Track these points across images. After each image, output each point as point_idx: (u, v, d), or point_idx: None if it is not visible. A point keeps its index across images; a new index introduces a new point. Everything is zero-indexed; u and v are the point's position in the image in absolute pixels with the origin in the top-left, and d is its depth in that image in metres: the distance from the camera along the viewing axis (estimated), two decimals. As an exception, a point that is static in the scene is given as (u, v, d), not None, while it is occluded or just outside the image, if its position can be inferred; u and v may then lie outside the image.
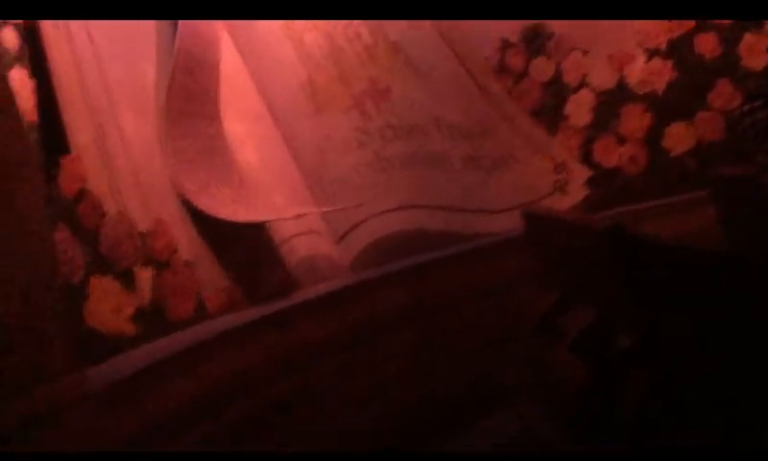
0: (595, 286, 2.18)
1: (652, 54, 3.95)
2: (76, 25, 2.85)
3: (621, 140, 4.02)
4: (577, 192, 4.01)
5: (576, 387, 2.28)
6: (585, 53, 4.05)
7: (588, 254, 2.13)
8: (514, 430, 2.90)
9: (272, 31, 4.03)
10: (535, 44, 4.12)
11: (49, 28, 2.71)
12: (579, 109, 4.07)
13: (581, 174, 4.02)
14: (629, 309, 1.98)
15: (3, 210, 1.71)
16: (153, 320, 2.84)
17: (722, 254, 2.25)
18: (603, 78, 4.03)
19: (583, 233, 2.17)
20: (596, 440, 2.13)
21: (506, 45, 4.15)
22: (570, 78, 4.08)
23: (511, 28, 4.13)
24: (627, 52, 3.99)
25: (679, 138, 3.93)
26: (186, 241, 3.13)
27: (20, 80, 2.51)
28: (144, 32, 3.31)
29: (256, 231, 3.47)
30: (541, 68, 4.11)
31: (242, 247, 3.37)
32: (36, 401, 1.84)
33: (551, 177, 4.04)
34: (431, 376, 3.45)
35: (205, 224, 3.21)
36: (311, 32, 4.06)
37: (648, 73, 3.95)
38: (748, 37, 3.82)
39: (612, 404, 2.10)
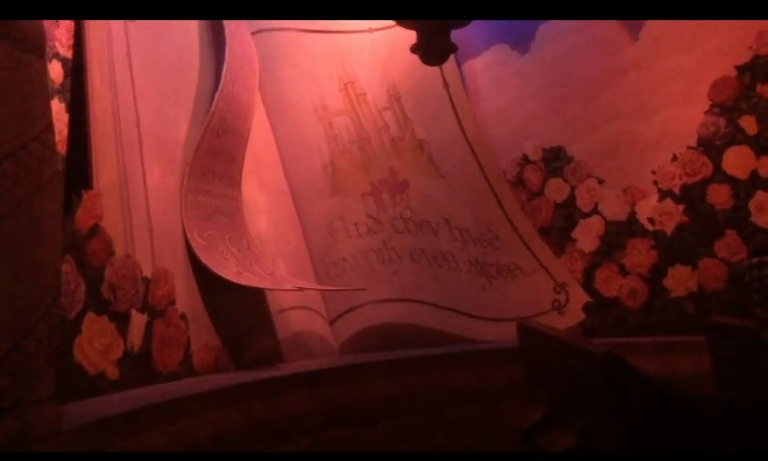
0: (582, 409, 2.18)
1: (665, 195, 4.04)
2: (122, 74, 2.96)
3: (624, 272, 4.07)
4: (573, 315, 4.03)
5: None
6: (600, 182, 4.14)
7: (578, 376, 2.14)
8: None
9: (304, 109, 4.16)
10: (553, 165, 4.23)
11: (95, 69, 2.82)
12: (587, 235, 4.13)
13: (580, 298, 4.06)
14: (614, 438, 1.97)
15: (23, 234, 1.74)
16: (138, 366, 2.83)
17: (712, 398, 2.25)
18: (615, 209, 4.11)
19: (576, 355, 2.18)
20: None
21: (526, 161, 4.26)
22: (583, 203, 4.16)
23: (533, 146, 4.25)
24: (641, 189, 4.07)
25: (681, 280, 3.97)
26: (185, 295, 3.15)
27: (57, 112, 2.58)
28: (184, 90, 3.43)
29: (254, 297, 3.49)
30: (557, 189, 4.21)
31: (238, 310, 3.39)
32: (6, 427, 1.82)
33: (551, 295, 4.08)
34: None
35: (207, 282, 3.24)
36: (342, 116, 4.19)
37: (659, 212, 4.03)
38: (759, 195, 3.91)
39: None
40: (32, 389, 1.87)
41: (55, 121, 2.52)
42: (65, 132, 2.68)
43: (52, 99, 2.54)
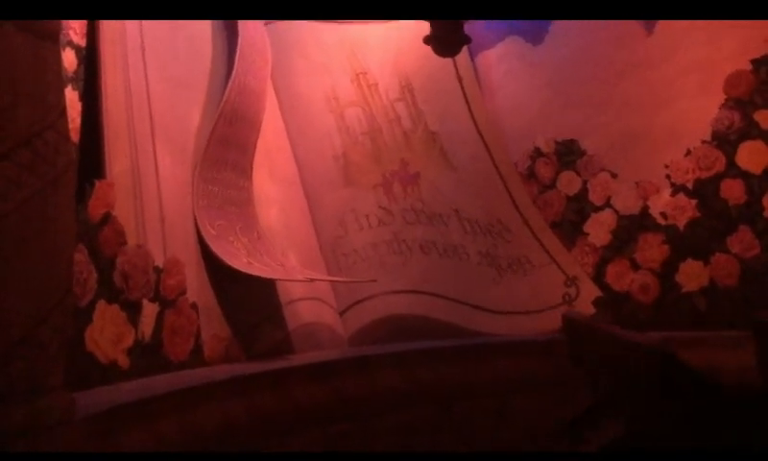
0: (630, 400, 2.16)
1: (678, 189, 4.01)
2: (135, 62, 2.95)
3: (635, 267, 4.04)
4: (584, 309, 4.00)
5: None
6: (613, 176, 4.12)
7: (626, 368, 2.12)
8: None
9: (315, 100, 4.15)
10: (566, 158, 4.21)
11: (108, 58, 2.81)
12: (599, 229, 4.11)
13: (590, 292, 4.03)
14: (661, 429, 1.96)
15: (38, 223, 1.74)
16: (149, 355, 2.84)
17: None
18: (627, 203, 4.08)
19: (625, 347, 2.17)
20: None
21: (538, 154, 4.24)
22: (595, 197, 4.14)
23: (546, 139, 4.23)
24: (654, 183, 4.05)
25: (693, 276, 3.94)
26: (196, 285, 3.15)
27: (70, 101, 2.58)
28: (196, 79, 3.43)
29: (264, 288, 3.49)
30: (569, 182, 4.19)
31: (248, 300, 3.38)
32: (18, 414, 1.82)
33: (561, 289, 4.05)
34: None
35: (217, 271, 3.24)
36: (354, 108, 4.18)
37: (672, 207, 4.00)
38: (774, 191, 3.88)
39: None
40: (44, 377, 1.87)
41: (68, 109, 2.53)
42: (78, 120, 2.68)
43: (66, 87, 2.55)
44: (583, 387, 3.48)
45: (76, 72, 2.70)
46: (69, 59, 2.64)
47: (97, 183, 2.69)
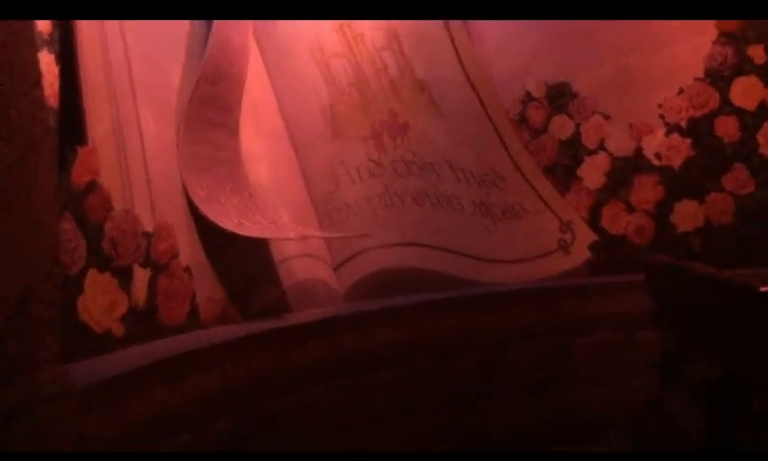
0: (726, 343, 2.11)
1: (672, 129, 3.97)
2: (112, 21, 2.85)
3: (630, 209, 4.02)
4: (579, 254, 4.00)
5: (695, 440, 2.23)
6: (606, 117, 4.07)
7: (721, 311, 2.07)
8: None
9: (300, 53, 4.05)
10: (558, 102, 4.14)
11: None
12: (593, 172, 4.07)
13: (586, 237, 4.02)
14: (758, 373, 1.92)
15: (17, 194, 1.68)
16: (143, 322, 2.80)
17: None
18: (621, 145, 4.04)
19: (722, 290, 2.12)
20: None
21: (529, 99, 4.17)
22: (588, 140, 4.09)
23: (537, 82, 4.16)
24: (648, 123, 4.00)
25: (688, 216, 3.93)
26: (188, 247, 3.10)
27: (46, 64, 2.49)
28: (176, 36, 3.33)
29: (257, 247, 3.45)
30: (561, 126, 4.13)
31: (241, 260, 3.34)
32: (13, 392, 1.79)
33: (556, 235, 4.03)
34: (414, 417, 3.41)
35: (208, 233, 3.19)
36: (339, 58, 4.09)
37: (666, 147, 3.97)
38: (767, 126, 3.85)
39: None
40: (37, 351, 1.84)
41: (45, 73, 2.44)
42: (57, 84, 2.59)
43: (40, 51, 2.45)
44: (579, 335, 3.50)
45: (51, 34, 2.60)
46: (43, 21, 2.54)
47: (79, 150, 2.61)
